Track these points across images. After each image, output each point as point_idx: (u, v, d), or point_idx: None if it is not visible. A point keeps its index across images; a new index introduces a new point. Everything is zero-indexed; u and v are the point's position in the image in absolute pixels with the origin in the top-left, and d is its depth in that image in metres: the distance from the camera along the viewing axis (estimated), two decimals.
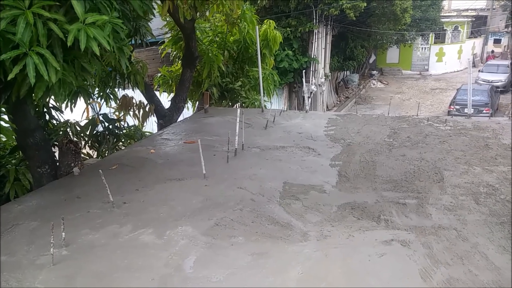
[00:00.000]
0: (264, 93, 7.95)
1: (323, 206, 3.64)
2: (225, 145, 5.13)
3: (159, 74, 8.80)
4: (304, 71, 12.33)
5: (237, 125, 5.04)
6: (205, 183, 4.18)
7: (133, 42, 6.55)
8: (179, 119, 7.78)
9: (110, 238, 3.14)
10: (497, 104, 20.64)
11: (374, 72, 29.66)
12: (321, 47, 18.47)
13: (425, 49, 30.90)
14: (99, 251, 2.98)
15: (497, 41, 35.83)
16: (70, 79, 3.18)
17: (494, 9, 34.11)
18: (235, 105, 9.02)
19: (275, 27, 8.70)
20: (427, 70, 31.02)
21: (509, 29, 34.57)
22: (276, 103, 16.47)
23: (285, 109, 7.70)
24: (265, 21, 8.72)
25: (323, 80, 19.50)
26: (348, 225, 3.30)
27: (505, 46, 35.00)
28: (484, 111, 17.92)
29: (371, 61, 29.14)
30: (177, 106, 7.70)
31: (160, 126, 7.49)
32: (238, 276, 2.67)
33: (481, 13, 33.35)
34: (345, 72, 25.66)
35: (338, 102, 23.23)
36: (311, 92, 17.64)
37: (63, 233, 3.01)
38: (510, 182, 4.11)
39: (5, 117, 4.18)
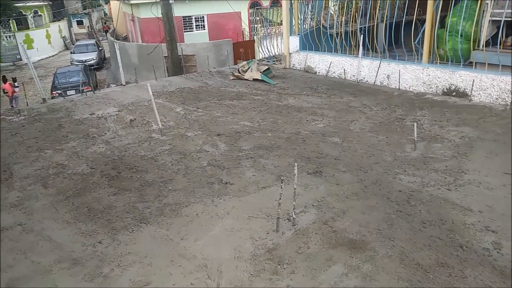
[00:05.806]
0: None
1: None
2: None
3: None
4: None
5: None
6: None
7: None
8: None
9: None
10: (95, 81, 22.03)
11: None
12: None
13: (10, 37, 28.46)
14: None
15: (80, 23, 37.76)
16: None
17: None
18: None
19: None
20: (21, 59, 28.95)
21: (87, 10, 37.09)
22: None
23: None
24: None
25: None
26: None
27: (88, 26, 37.39)
28: (86, 90, 18.73)
29: None
30: None
31: None
32: None
33: None
34: None
35: None
36: None
37: None
38: (78, 156, 4.33)
39: None
